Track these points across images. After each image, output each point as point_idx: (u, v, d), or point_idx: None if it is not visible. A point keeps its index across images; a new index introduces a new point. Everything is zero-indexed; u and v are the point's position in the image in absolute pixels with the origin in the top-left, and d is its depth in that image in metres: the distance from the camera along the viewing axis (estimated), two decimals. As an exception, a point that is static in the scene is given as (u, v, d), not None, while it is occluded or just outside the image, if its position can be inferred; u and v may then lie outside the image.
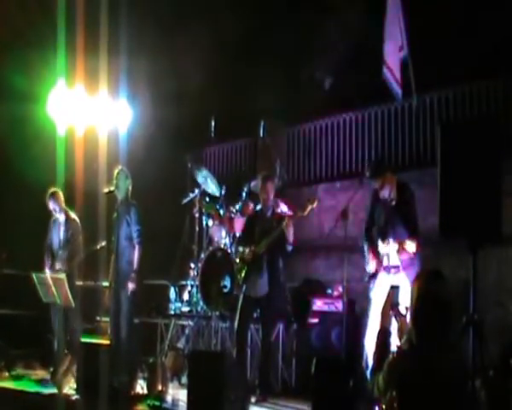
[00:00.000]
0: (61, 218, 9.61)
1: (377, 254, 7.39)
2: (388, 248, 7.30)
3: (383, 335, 4.40)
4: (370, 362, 7.16)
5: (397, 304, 4.46)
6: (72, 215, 9.69)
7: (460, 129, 6.10)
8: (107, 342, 7.99)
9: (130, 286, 8.68)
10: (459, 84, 10.80)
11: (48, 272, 9.27)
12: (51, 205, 9.57)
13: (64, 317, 9.14)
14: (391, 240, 7.28)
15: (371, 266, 7.46)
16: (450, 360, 3.85)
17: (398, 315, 4.47)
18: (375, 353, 4.43)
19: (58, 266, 9.45)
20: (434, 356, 3.81)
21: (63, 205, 9.65)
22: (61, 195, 9.66)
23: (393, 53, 10.03)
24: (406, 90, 10.34)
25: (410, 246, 7.09)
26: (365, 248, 7.61)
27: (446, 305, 3.90)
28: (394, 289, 4.58)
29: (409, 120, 11.40)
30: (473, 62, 10.66)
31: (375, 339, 7.08)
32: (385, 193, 7.44)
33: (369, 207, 7.74)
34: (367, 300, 7.61)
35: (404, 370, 3.85)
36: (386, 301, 4.44)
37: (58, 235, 9.60)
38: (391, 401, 3.82)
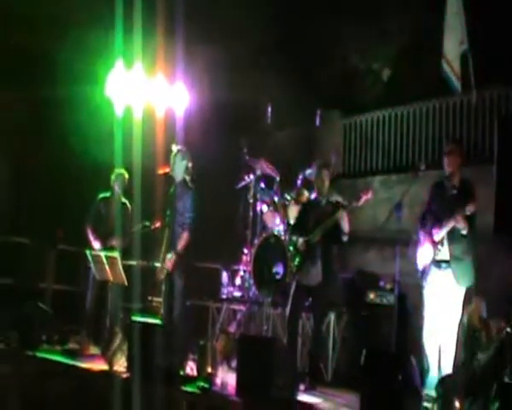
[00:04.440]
0: (119, 198, 9.77)
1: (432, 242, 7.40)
2: (441, 235, 7.29)
3: None
4: (432, 365, 7.22)
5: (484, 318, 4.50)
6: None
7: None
8: (159, 322, 8.08)
9: (168, 266, 8.52)
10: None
11: (100, 249, 9.40)
12: (116, 185, 9.75)
13: (117, 295, 9.26)
14: (447, 223, 7.25)
15: (426, 251, 7.46)
16: None
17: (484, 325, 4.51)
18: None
19: (112, 242, 9.56)
20: None
21: (124, 187, 9.84)
22: (126, 177, 9.86)
23: (453, 47, 9.92)
24: (465, 85, 10.24)
25: (470, 207, 7.04)
26: (420, 236, 7.60)
27: None
28: (480, 302, 4.59)
29: (467, 116, 11.31)
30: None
31: (435, 343, 7.20)
32: (449, 162, 7.45)
33: (428, 199, 7.72)
34: (419, 296, 7.61)
35: None
36: (472, 311, 4.48)
37: (110, 213, 9.72)
38: None
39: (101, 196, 9.87)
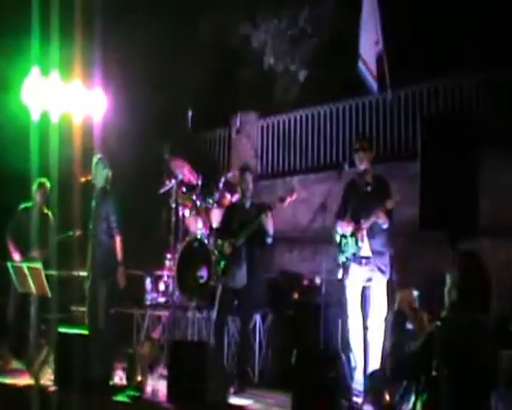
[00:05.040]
0: (40, 208, 9.64)
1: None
2: (363, 225, 7.41)
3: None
4: (359, 361, 7.34)
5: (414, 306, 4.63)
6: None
7: (440, 122, 6.17)
8: (85, 332, 7.97)
9: (121, 280, 8.68)
10: (433, 78, 10.93)
11: (19, 261, 9.23)
12: (38, 196, 9.62)
13: (39, 306, 9.10)
14: (365, 220, 7.39)
15: (346, 228, 7.58)
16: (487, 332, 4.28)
17: (415, 313, 4.63)
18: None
19: (33, 253, 9.41)
20: (478, 325, 4.23)
21: (46, 196, 9.71)
22: (48, 187, 9.74)
23: (369, 47, 10.11)
24: (381, 84, 10.44)
25: (391, 202, 7.22)
26: (337, 231, 7.71)
27: (488, 280, 4.38)
28: (411, 291, 4.71)
29: (383, 114, 11.51)
30: (445, 58, 10.79)
31: (360, 338, 7.33)
32: (361, 158, 7.62)
33: (343, 197, 7.86)
34: (342, 294, 7.74)
35: (451, 338, 4.19)
36: (401, 300, 4.60)
37: (32, 223, 9.54)
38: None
39: (23, 206, 9.75)
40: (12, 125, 11.03)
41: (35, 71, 10.55)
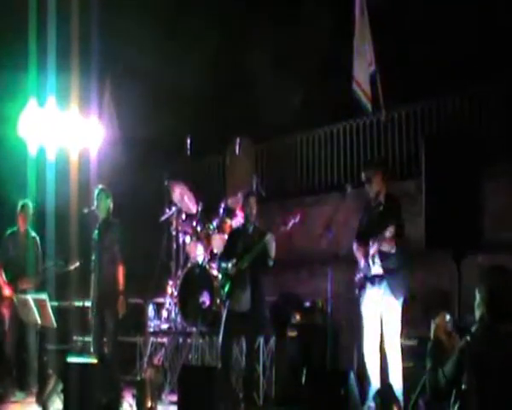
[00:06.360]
0: (25, 231, 9.68)
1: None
2: (372, 250, 7.43)
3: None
4: (374, 380, 7.38)
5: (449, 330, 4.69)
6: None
7: (442, 141, 6.26)
8: (94, 361, 8.00)
9: (121, 310, 8.71)
10: (427, 98, 11.08)
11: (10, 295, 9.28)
12: (21, 217, 9.62)
13: (40, 337, 9.13)
14: (374, 242, 7.40)
15: (358, 254, 7.63)
16: None
17: (450, 337, 4.70)
18: None
19: (23, 285, 9.39)
20: (508, 337, 4.26)
21: (30, 218, 9.69)
22: (31, 207, 9.71)
23: (362, 69, 10.27)
24: (375, 105, 10.58)
25: (390, 231, 7.17)
26: (355, 252, 7.74)
27: None
28: (446, 316, 4.77)
29: (377, 135, 11.63)
30: (439, 77, 10.93)
31: (376, 357, 7.38)
32: (372, 188, 7.61)
33: (359, 220, 7.88)
34: (345, 312, 7.80)
35: (481, 352, 4.22)
36: (437, 327, 4.66)
37: (19, 249, 9.59)
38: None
39: (8, 232, 9.74)
40: (9, 157, 11.08)
41: (32, 103, 10.63)
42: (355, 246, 7.71)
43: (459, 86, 10.71)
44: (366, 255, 7.48)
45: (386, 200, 7.64)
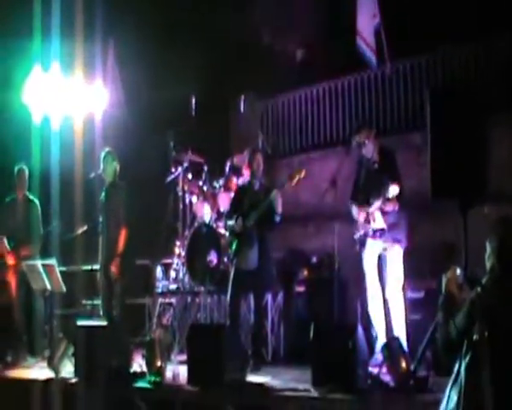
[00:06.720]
0: (23, 196, 9.66)
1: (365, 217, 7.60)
2: (373, 208, 7.48)
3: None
4: (380, 332, 7.42)
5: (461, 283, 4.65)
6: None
7: (447, 93, 6.20)
8: (104, 323, 8.04)
9: (116, 271, 8.68)
10: (431, 49, 10.96)
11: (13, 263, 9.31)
12: (18, 182, 9.58)
13: (55, 302, 9.18)
14: (374, 200, 7.44)
15: (358, 216, 7.68)
16: None
17: (462, 290, 4.66)
18: None
19: (22, 252, 9.39)
20: None
21: (26, 182, 9.66)
22: (26, 171, 9.66)
23: (367, 21, 10.13)
24: (380, 58, 10.46)
25: (394, 189, 7.21)
26: (354, 212, 7.77)
27: None
28: (457, 269, 4.72)
29: (383, 88, 11.54)
30: (444, 29, 10.79)
31: (380, 309, 7.43)
32: (368, 150, 7.67)
33: (354, 179, 7.92)
34: (350, 267, 7.82)
35: (492, 303, 4.18)
36: (449, 281, 4.61)
37: (21, 217, 9.58)
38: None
39: (7, 199, 9.72)
40: (14, 123, 11.04)
41: (37, 69, 10.56)
42: (354, 209, 7.73)
43: (464, 38, 10.58)
44: (367, 217, 7.50)
45: (380, 156, 7.68)
